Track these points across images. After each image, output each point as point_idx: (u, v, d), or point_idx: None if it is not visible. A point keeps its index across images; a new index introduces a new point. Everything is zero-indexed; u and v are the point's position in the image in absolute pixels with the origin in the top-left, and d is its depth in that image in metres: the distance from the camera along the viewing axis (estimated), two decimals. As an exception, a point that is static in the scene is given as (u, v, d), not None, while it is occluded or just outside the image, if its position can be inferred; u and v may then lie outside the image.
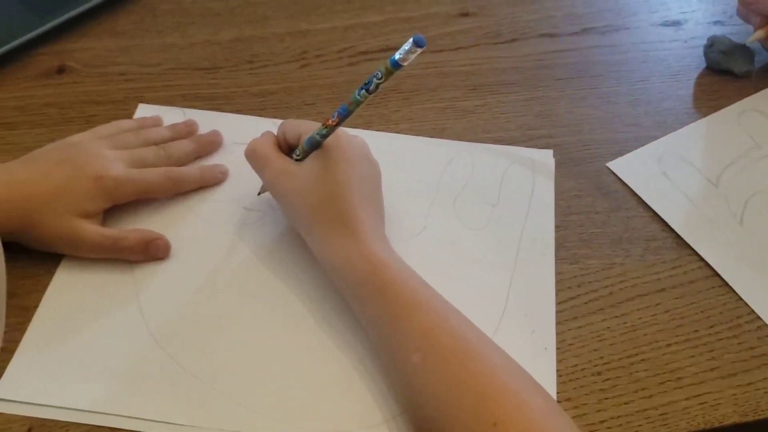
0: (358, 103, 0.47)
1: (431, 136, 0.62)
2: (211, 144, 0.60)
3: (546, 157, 0.60)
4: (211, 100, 0.64)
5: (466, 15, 0.73)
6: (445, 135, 0.62)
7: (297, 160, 0.51)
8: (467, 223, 0.56)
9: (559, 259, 0.54)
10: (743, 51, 0.67)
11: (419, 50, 0.43)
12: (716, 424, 0.46)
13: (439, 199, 0.57)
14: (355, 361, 0.48)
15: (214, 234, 0.55)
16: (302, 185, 0.50)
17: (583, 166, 0.60)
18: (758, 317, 0.51)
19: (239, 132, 0.61)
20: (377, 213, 0.51)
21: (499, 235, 0.55)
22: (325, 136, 0.49)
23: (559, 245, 0.55)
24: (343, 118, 0.48)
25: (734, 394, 0.47)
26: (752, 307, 0.52)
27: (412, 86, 0.66)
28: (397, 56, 0.44)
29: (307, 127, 0.51)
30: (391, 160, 0.59)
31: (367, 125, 0.62)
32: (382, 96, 0.65)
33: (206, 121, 0.62)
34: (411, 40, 0.43)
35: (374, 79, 0.45)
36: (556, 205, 0.57)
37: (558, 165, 0.60)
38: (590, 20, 0.73)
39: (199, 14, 0.73)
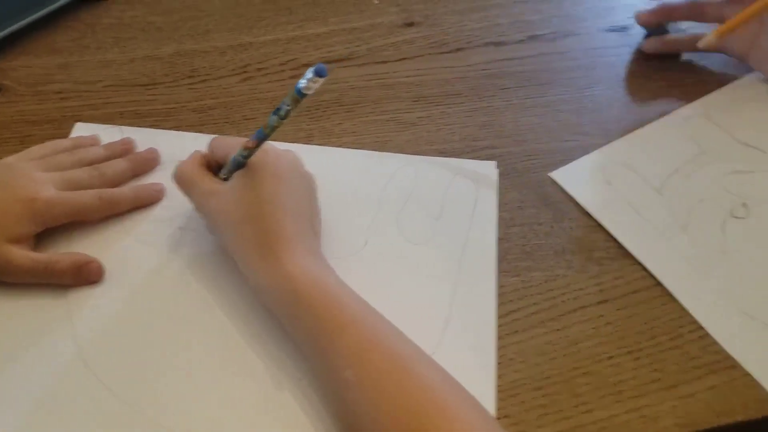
0: (273, 128, 0.46)
1: (374, 150, 0.61)
2: (148, 162, 0.59)
3: (489, 169, 0.60)
4: (150, 116, 0.63)
5: (411, 25, 0.72)
6: (388, 148, 0.61)
7: (224, 179, 0.50)
8: (409, 237, 0.55)
9: (501, 272, 0.53)
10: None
11: (321, 80, 0.42)
12: (656, 438, 0.45)
13: (381, 214, 0.56)
14: (292, 384, 0.47)
15: (149, 255, 0.53)
16: (225, 204, 0.48)
17: (526, 176, 0.60)
18: (701, 327, 0.51)
19: (178, 149, 0.60)
20: (308, 229, 0.49)
21: (442, 249, 0.54)
22: (247, 157, 0.48)
23: (502, 258, 0.54)
24: (261, 141, 0.47)
25: (675, 406, 0.47)
26: (695, 316, 0.51)
27: (355, 98, 0.65)
28: (300, 85, 0.43)
29: (234, 145, 0.50)
30: (333, 175, 0.58)
31: (308, 139, 0.61)
32: (324, 109, 0.64)
33: (144, 138, 0.61)
34: (312, 69, 0.42)
35: (284, 106, 0.45)
36: (499, 217, 0.57)
37: (502, 176, 0.59)
38: (538, 27, 0.72)
39: (140, 29, 0.71)
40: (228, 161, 0.50)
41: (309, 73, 0.42)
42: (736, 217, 0.57)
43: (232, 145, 0.50)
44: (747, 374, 0.48)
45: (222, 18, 0.72)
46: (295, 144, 0.60)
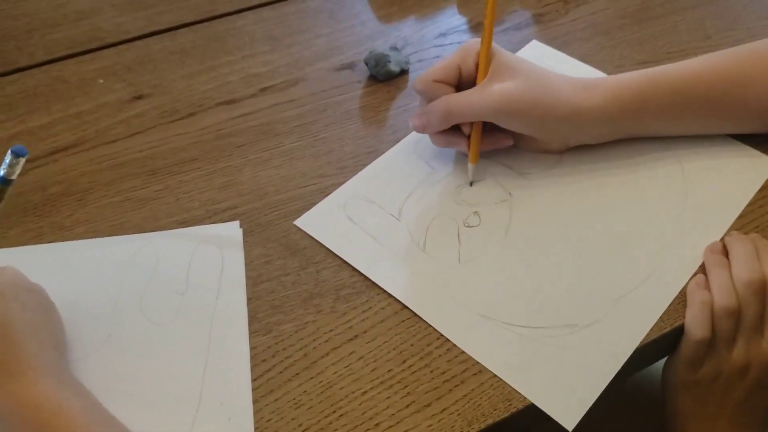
0: None
1: (110, 235, 0.59)
2: None
3: (232, 230, 0.60)
4: None
5: (139, 98, 0.71)
6: (126, 230, 0.59)
7: None
8: (155, 318, 0.54)
9: (252, 333, 0.53)
10: (394, 53, 0.74)
11: (23, 159, 0.44)
12: (414, 461, 0.47)
13: (122, 301, 0.55)
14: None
15: None
16: None
17: (270, 230, 0.60)
18: (447, 340, 0.53)
19: None
20: (49, 346, 0.47)
21: (190, 323, 0.54)
22: None
23: (252, 318, 0.54)
24: None
25: (431, 425, 0.49)
26: (440, 330, 0.54)
27: (85, 185, 0.63)
28: (2, 172, 0.44)
29: None
30: (66, 273, 0.56)
31: (38, 238, 0.58)
32: (52, 203, 0.61)
33: None
34: (9, 152, 0.43)
35: None
36: (247, 276, 0.57)
37: (246, 234, 0.59)
38: (267, 79, 0.73)
39: None
40: None
41: (7, 158, 0.43)
42: (469, 226, 0.61)
43: None
44: (493, 376, 0.51)
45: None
46: (22, 247, 0.57)
